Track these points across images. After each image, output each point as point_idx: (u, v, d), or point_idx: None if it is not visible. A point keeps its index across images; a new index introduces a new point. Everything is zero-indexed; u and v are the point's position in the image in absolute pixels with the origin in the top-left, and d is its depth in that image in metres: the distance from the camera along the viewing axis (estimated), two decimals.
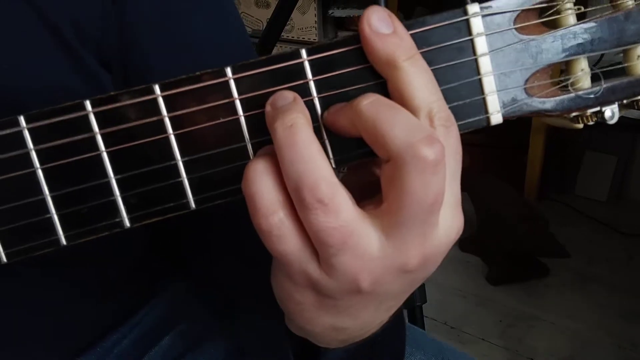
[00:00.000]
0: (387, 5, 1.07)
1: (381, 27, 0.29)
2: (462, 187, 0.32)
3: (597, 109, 0.32)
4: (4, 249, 0.29)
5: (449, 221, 0.30)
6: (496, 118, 0.31)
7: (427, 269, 0.30)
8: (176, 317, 0.57)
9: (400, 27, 0.29)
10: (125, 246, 0.55)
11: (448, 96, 0.30)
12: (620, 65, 0.32)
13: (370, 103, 0.28)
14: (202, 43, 0.46)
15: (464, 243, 1.71)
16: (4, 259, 0.29)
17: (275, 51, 2.00)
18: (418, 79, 0.29)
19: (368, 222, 0.28)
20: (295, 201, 0.28)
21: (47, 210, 0.29)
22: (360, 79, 0.30)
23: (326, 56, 0.30)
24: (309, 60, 0.30)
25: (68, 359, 0.54)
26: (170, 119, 0.29)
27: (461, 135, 0.30)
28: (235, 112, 0.29)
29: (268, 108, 0.29)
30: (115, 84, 0.46)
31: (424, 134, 0.27)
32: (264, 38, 1.39)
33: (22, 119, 0.28)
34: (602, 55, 0.32)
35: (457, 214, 0.30)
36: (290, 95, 0.29)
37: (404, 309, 0.37)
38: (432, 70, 0.30)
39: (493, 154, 1.94)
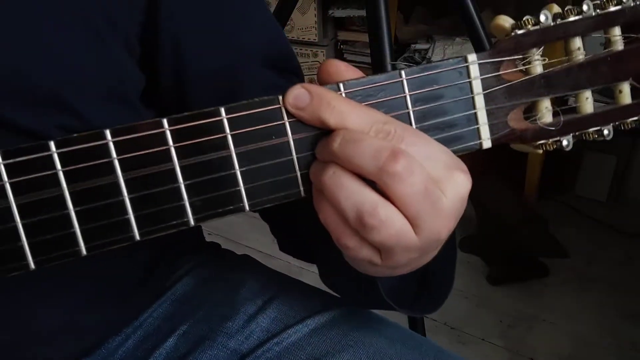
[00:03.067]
0: (386, 6, 1.07)
1: (299, 102, 0.35)
2: None
3: (557, 138, 0.41)
4: (85, 243, 0.34)
5: (450, 185, 0.35)
6: (487, 143, 0.40)
7: (455, 220, 0.37)
8: (180, 319, 0.58)
9: (314, 90, 0.35)
10: (131, 251, 0.55)
11: (451, 125, 0.39)
12: (574, 105, 0.42)
13: (339, 144, 0.34)
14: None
15: (464, 243, 1.71)
16: (84, 252, 0.34)
17: None
18: (351, 115, 0.35)
19: (407, 224, 0.35)
20: (357, 227, 0.34)
21: (126, 212, 0.34)
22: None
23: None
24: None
25: None
26: (232, 136, 0.35)
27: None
28: (285, 134, 0.36)
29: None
30: (162, 82, 0.49)
31: (386, 152, 0.33)
32: None
33: (107, 133, 0.33)
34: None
35: (452, 176, 0.36)
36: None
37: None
38: (439, 104, 0.38)
39: (493, 155, 1.94)
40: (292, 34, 2.01)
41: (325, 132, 0.36)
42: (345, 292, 0.54)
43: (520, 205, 1.71)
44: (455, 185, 0.35)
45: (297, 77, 0.56)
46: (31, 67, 0.41)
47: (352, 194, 0.34)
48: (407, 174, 0.33)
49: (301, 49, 2.03)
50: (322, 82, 0.37)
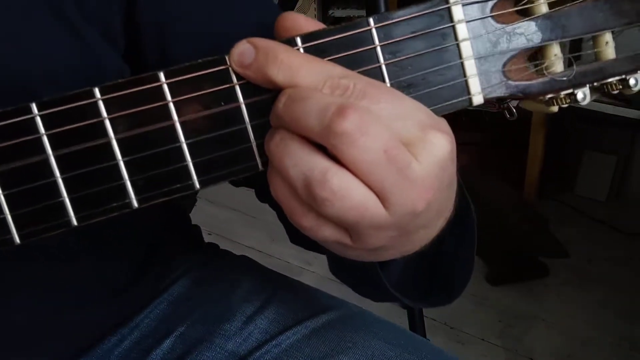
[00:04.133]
0: (386, 6, 1.07)
1: (244, 59, 0.30)
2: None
3: (570, 91, 0.35)
4: (18, 230, 0.30)
5: (424, 147, 0.30)
6: (477, 99, 0.34)
7: (436, 190, 0.31)
8: (177, 320, 0.57)
9: (260, 44, 0.31)
10: (127, 249, 0.55)
11: (433, 79, 0.33)
12: (590, 51, 0.35)
13: (283, 104, 0.30)
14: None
15: None
16: (17, 240, 0.30)
17: None
18: (301, 71, 0.30)
19: (372, 194, 0.30)
20: (308, 200, 0.30)
21: (59, 194, 0.30)
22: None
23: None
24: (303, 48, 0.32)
25: None
26: (175, 104, 0.30)
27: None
28: (236, 99, 0.31)
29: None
30: (127, 58, 0.46)
31: (332, 108, 0.28)
32: None
33: (34, 106, 0.29)
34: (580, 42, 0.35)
35: (426, 137, 0.30)
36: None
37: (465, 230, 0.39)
38: (418, 54, 0.33)
39: (492, 154, 1.94)
40: None
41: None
42: (354, 283, 0.50)
43: (520, 205, 1.71)
44: (431, 147, 0.30)
45: None
46: (1, 60, 0.39)
47: (300, 160, 0.29)
48: (358, 134, 0.28)
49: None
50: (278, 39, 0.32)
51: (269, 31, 0.49)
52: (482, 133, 1.94)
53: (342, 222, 0.30)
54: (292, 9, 1.35)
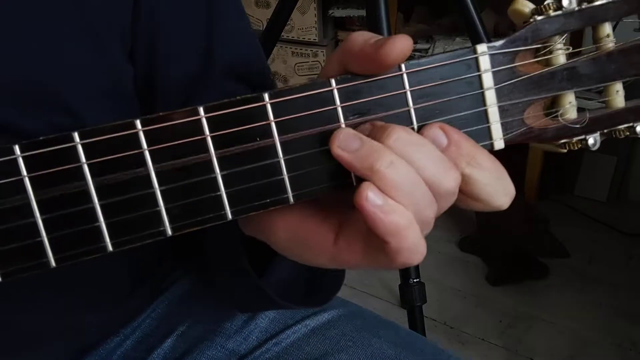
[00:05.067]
0: (386, 6, 1.07)
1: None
2: None
3: (582, 137, 0.37)
4: (54, 254, 0.31)
5: None
6: (499, 144, 0.36)
7: None
8: (178, 319, 0.58)
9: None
10: (131, 251, 0.55)
11: (459, 124, 0.35)
12: (602, 99, 0.37)
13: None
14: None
15: (464, 243, 1.71)
16: (53, 264, 0.31)
17: (275, 51, 2.00)
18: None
19: None
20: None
21: (97, 219, 0.31)
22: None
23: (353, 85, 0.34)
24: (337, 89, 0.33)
25: None
26: (212, 138, 0.32)
27: None
28: (271, 136, 0.32)
29: (344, 154, 0.32)
30: (136, 79, 0.47)
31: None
32: (264, 38, 1.38)
33: (75, 135, 0.30)
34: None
35: None
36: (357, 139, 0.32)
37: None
38: (445, 101, 0.34)
39: (493, 154, 1.94)
40: (292, 34, 2.01)
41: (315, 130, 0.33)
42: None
43: (520, 205, 1.71)
44: None
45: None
46: (29, 67, 0.40)
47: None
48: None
49: (301, 49, 2.03)
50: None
51: (250, 64, 0.50)
52: (492, 154, 1.93)
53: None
54: (292, 9, 1.36)
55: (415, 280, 1.25)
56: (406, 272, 1.26)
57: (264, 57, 0.54)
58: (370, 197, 0.30)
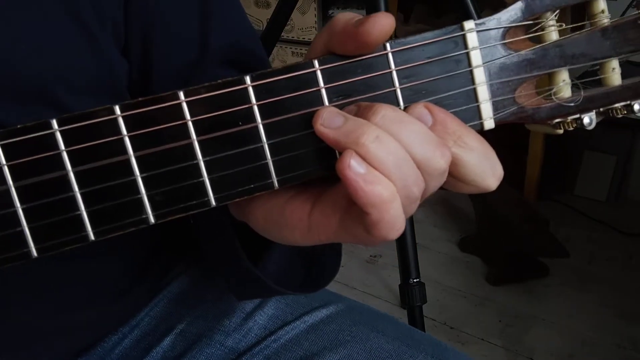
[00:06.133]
0: (386, 6, 1.07)
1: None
2: None
3: (577, 116, 0.36)
4: (35, 244, 0.30)
5: None
6: (489, 124, 0.35)
7: None
8: (177, 317, 0.57)
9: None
10: (129, 249, 0.55)
11: (447, 104, 0.34)
12: (597, 77, 0.36)
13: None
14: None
15: (464, 243, 1.71)
16: (35, 254, 0.30)
17: (275, 51, 2.01)
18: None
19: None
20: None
21: (77, 207, 0.30)
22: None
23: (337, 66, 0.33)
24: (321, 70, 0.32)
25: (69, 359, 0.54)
26: (193, 122, 0.31)
27: None
28: (254, 120, 0.32)
29: (328, 131, 0.31)
30: (132, 73, 0.46)
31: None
32: (264, 38, 1.39)
33: (54, 122, 0.29)
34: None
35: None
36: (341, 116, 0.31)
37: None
38: (432, 80, 0.33)
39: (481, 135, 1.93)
40: (292, 34, 2.01)
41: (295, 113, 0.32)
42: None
43: (520, 205, 1.71)
44: None
45: None
46: (19, 62, 0.40)
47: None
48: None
49: (301, 49, 2.03)
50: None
51: (246, 50, 0.49)
52: (482, 134, 1.94)
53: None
54: (292, 9, 1.36)
55: (415, 280, 1.25)
56: (406, 272, 1.26)
57: (260, 42, 0.54)
58: (353, 164, 0.29)
